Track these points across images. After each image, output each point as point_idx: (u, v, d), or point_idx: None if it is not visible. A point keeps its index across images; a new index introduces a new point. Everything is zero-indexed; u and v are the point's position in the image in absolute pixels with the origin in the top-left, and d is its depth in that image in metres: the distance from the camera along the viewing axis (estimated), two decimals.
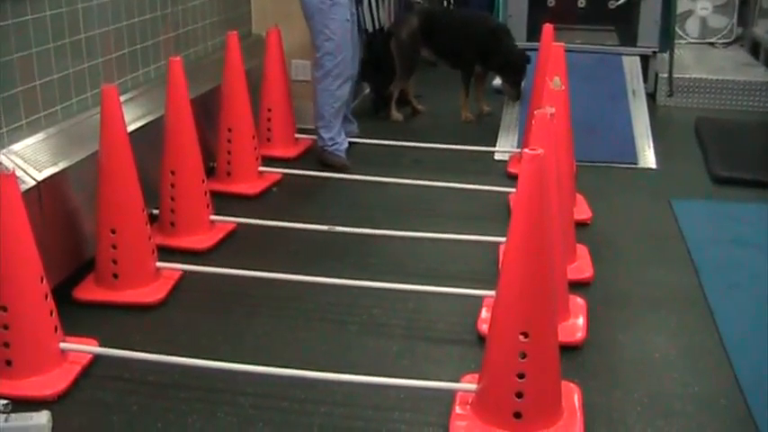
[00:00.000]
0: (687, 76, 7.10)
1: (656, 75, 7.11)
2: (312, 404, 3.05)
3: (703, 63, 7.58)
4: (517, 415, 2.77)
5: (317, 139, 5.42)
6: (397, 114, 6.46)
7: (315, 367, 3.12)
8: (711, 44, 8.28)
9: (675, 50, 7.09)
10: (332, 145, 5.36)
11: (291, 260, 4.07)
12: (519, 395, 2.75)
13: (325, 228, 4.28)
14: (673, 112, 6.94)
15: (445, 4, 8.29)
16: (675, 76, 7.04)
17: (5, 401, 2.95)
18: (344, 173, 5.20)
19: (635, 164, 5.61)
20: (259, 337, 3.47)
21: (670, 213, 4.76)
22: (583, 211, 4.58)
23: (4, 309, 3.03)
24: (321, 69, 5.26)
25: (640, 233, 4.55)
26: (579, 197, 4.65)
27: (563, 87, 3.82)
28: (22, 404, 2.95)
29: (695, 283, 3.96)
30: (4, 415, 2.88)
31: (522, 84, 6.20)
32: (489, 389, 2.83)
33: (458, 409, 2.90)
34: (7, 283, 3.03)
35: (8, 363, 3.07)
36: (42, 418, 2.85)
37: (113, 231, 3.65)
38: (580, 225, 4.29)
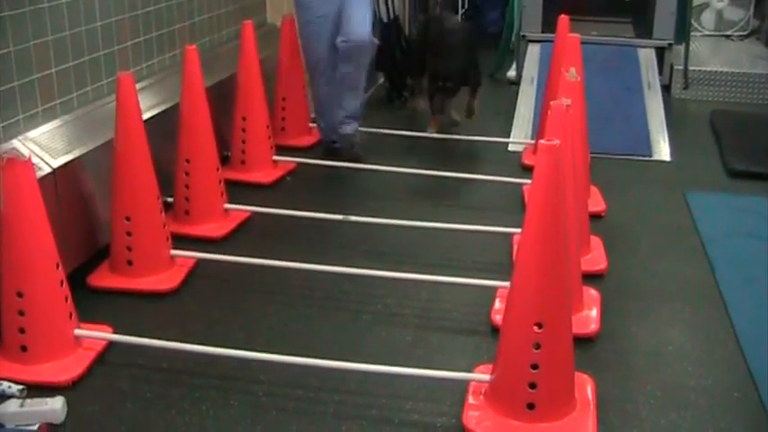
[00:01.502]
0: (703, 68, 7.07)
1: (672, 67, 7.07)
2: (326, 392, 3.05)
3: (719, 56, 7.54)
4: (530, 406, 2.77)
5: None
6: (419, 103, 6.17)
7: (329, 356, 3.12)
8: (727, 37, 8.22)
9: (691, 43, 7.07)
10: (332, 142, 5.36)
11: (305, 249, 4.07)
12: (532, 386, 2.75)
13: (339, 217, 4.28)
14: (688, 105, 6.92)
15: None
16: (691, 68, 7.01)
17: (21, 387, 2.97)
18: (358, 163, 5.16)
19: (650, 156, 5.59)
20: (273, 326, 3.48)
21: (684, 206, 4.75)
22: (597, 203, 4.57)
23: (20, 295, 3.04)
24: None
25: (655, 225, 4.54)
26: (593, 189, 4.64)
27: (579, 79, 3.81)
28: (36, 389, 2.98)
29: (709, 275, 3.95)
30: (20, 400, 2.90)
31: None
32: (503, 379, 2.83)
33: (471, 400, 2.90)
34: (23, 269, 3.04)
35: (23, 348, 3.08)
36: (57, 403, 2.87)
37: (128, 219, 3.66)
38: (594, 217, 4.28)
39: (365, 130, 5.48)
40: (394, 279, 3.70)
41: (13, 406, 2.86)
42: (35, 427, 2.80)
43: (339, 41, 4.88)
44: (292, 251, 3.94)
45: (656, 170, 5.42)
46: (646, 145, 5.69)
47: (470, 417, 2.84)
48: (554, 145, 2.65)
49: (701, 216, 4.59)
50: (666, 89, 6.92)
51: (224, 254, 3.92)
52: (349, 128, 5.23)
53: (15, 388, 2.96)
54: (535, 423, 2.78)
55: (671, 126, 5.96)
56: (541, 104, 5.29)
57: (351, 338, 3.40)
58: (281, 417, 2.93)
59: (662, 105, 6.21)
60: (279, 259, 3.78)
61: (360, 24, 4.86)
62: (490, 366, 2.93)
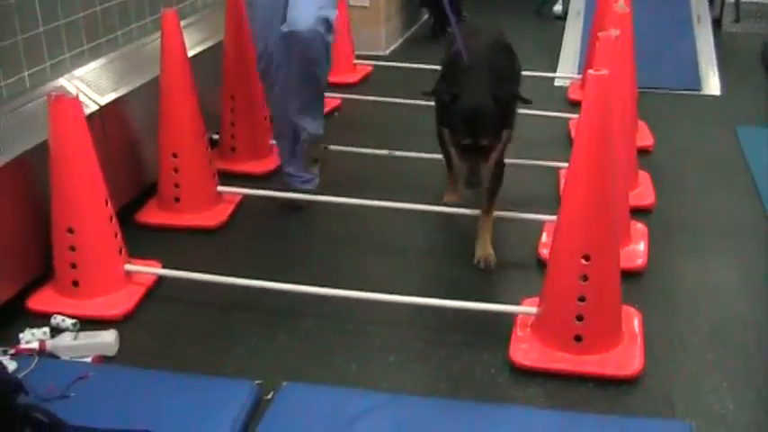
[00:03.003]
0: (754, 0, 6.90)
1: (722, 0, 6.92)
2: (372, 325, 3.08)
3: None
4: (577, 338, 2.78)
5: None
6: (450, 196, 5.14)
7: (375, 290, 3.13)
8: None
9: None
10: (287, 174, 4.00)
11: (352, 183, 4.07)
12: (579, 318, 2.75)
13: (384, 152, 4.27)
14: (738, 38, 6.77)
15: None
16: (742, 0, 6.85)
17: (74, 320, 3.03)
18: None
19: (699, 90, 5.50)
20: (319, 260, 3.50)
21: (734, 141, 4.67)
22: (645, 138, 4.51)
23: (71, 231, 3.08)
24: None
25: (704, 161, 4.48)
26: (641, 124, 4.58)
27: (628, 10, 3.74)
28: (88, 324, 3.03)
29: (759, 211, 3.90)
30: (74, 333, 2.96)
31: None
32: (550, 312, 2.83)
33: (518, 332, 2.91)
34: (73, 205, 3.08)
35: (75, 283, 3.13)
36: (110, 336, 2.92)
37: (175, 156, 3.68)
38: (642, 152, 4.23)
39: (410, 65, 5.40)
40: (440, 214, 3.70)
41: (66, 339, 2.92)
42: (89, 359, 2.86)
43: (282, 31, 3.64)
44: (338, 186, 3.94)
45: (705, 105, 5.33)
46: (695, 79, 5.59)
47: (517, 349, 2.85)
48: (603, 75, 2.61)
49: (752, 151, 4.51)
50: (717, 22, 6.78)
51: (270, 190, 3.93)
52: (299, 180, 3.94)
53: (69, 322, 3.02)
54: (582, 355, 2.78)
55: (721, 60, 5.86)
56: (588, 38, 5.20)
57: (397, 273, 3.41)
58: (329, 349, 2.96)
59: (712, 38, 6.10)
60: (325, 195, 3.79)
61: (303, 9, 3.57)
62: (537, 299, 2.93)
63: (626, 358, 2.80)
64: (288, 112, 3.81)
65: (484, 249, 3.43)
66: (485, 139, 3.19)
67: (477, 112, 3.18)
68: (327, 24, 3.61)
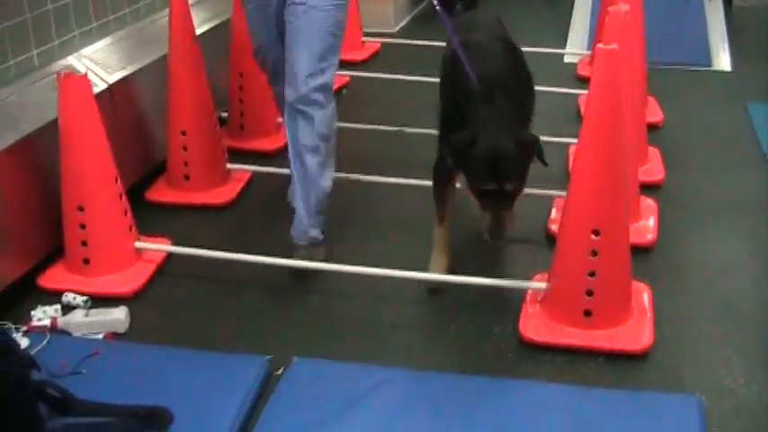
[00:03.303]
0: None
1: None
2: (383, 301, 3.08)
3: None
4: (587, 312, 2.78)
5: None
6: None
7: (385, 266, 3.14)
8: None
9: None
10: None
11: (360, 160, 4.06)
12: (589, 293, 2.75)
13: (394, 129, 4.26)
14: (749, 14, 6.70)
15: None
16: None
17: (85, 298, 3.04)
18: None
19: (709, 66, 5.47)
20: (328, 237, 3.50)
21: (745, 117, 4.65)
22: (655, 114, 4.50)
23: (81, 208, 3.09)
24: None
25: (714, 137, 4.46)
26: (651, 99, 4.57)
27: None
28: (99, 301, 3.05)
29: None
30: (85, 310, 2.97)
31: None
32: (560, 287, 2.83)
33: (528, 308, 2.91)
34: (83, 183, 3.09)
35: (85, 261, 3.15)
36: (121, 312, 2.94)
37: (184, 133, 3.68)
38: (652, 128, 4.21)
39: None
40: None
41: (78, 316, 2.94)
42: (100, 336, 2.88)
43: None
44: (347, 163, 3.93)
45: (715, 81, 5.31)
46: (705, 55, 5.57)
47: (527, 324, 2.85)
48: (612, 49, 2.60)
49: (762, 127, 4.49)
50: None
51: (279, 167, 3.93)
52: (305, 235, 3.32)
53: (80, 299, 3.04)
54: (591, 330, 2.78)
55: (731, 35, 5.82)
56: (598, 14, 5.17)
57: (407, 249, 3.40)
58: (339, 326, 2.97)
59: (722, 14, 6.06)
60: (336, 172, 3.78)
61: (298, 74, 3.15)
62: (547, 275, 2.93)
63: (635, 333, 2.81)
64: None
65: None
66: (511, 184, 2.76)
67: (502, 154, 2.73)
68: (325, 90, 3.19)
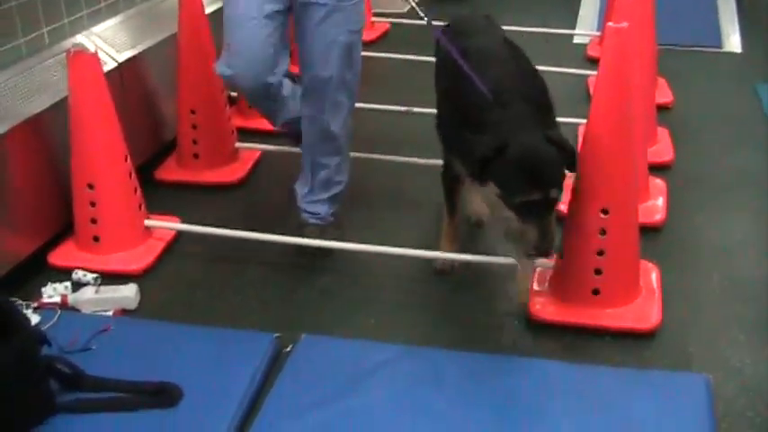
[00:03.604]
0: None
1: None
2: (390, 279, 3.11)
3: None
4: (595, 291, 2.78)
5: None
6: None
7: (394, 244, 3.16)
8: None
9: None
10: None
11: (369, 140, 4.06)
12: (597, 272, 2.76)
13: (403, 109, 4.26)
14: None
15: None
16: None
17: (95, 275, 3.05)
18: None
19: (719, 48, 5.45)
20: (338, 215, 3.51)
21: (754, 98, 4.64)
22: (664, 95, 4.49)
23: (91, 186, 3.10)
24: None
25: (723, 117, 4.45)
26: (661, 80, 4.55)
27: None
28: (109, 278, 3.06)
29: None
30: (95, 287, 2.99)
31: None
32: (568, 266, 2.84)
33: (536, 286, 2.92)
34: (93, 161, 3.10)
35: (96, 239, 3.16)
36: (130, 290, 2.95)
37: (193, 112, 3.69)
38: (661, 108, 4.21)
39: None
40: None
41: (88, 293, 2.95)
42: (110, 313, 2.89)
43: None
44: (356, 143, 3.92)
45: (725, 62, 5.29)
46: (716, 36, 5.54)
47: (536, 303, 2.86)
48: (622, 28, 2.60)
49: None
50: None
51: (289, 146, 3.93)
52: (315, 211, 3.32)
53: (90, 276, 3.05)
54: (600, 309, 2.79)
55: (742, 17, 5.79)
56: None
57: (415, 228, 3.42)
58: (347, 304, 2.98)
59: None
60: None
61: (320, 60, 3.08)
62: (555, 253, 2.93)
63: (644, 312, 2.81)
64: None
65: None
66: (556, 190, 2.52)
67: (542, 158, 2.52)
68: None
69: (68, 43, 3.33)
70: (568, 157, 2.58)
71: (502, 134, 2.53)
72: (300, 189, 3.33)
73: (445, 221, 3.15)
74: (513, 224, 2.57)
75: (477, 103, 2.66)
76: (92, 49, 3.15)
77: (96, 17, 3.60)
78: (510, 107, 2.61)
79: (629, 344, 2.75)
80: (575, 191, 2.80)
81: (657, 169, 3.67)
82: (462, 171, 2.81)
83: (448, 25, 3.25)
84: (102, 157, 3.11)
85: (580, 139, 3.69)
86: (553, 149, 2.53)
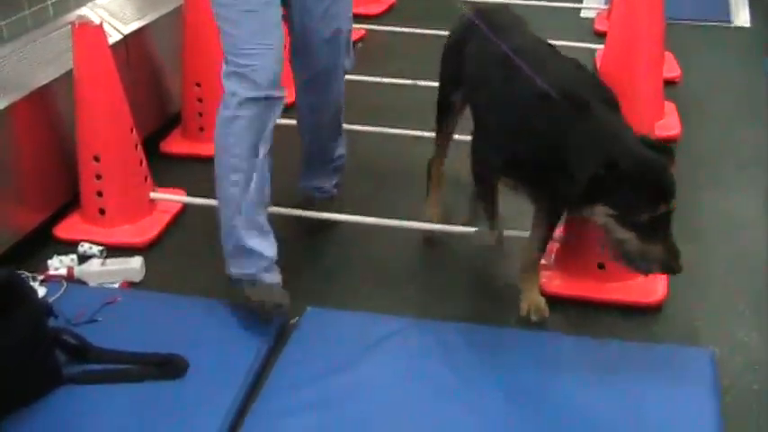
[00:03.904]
0: None
1: None
2: (397, 252, 3.11)
3: None
4: (601, 265, 2.78)
5: None
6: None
7: (397, 218, 3.17)
8: None
9: None
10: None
11: (376, 113, 4.05)
12: (603, 246, 2.75)
13: (409, 82, 4.25)
14: None
15: None
16: None
17: (100, 248, 3.06)
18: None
19: (728, 22, 5.41)
20: (343, 189, 3.50)
21: (763, 73, 4.61)
22: (672, 69, 4.46)
23: (97, 159, 3.10)
24: None
25: (731, 92, 4.43)
26: (668, 55, 4.52)
27: None
28: (115, 251, 3.07)
29: None
30: (101, 260, 2.99)
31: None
32: (573, 239, 2.83)
33: (542, 260, 2.91)
34: (99, 133, 3.10)
35: (101, 211, 3.16)
36: (136, 262, 2.96)
37: (198, 85, 3.68)
38: (669, 83, 4.19)
39: None
40: (461, 143, 3.68)
41: (94, 265, 2.96)
42: (116, 285, 2.90)
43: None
44: (362, 116, 3.92)
45: (734, 36, 5.25)
46: (725, 10, 5.50)
47: (542, 276, 2.85)
48: (630, 1, 2.58)
49: None
50: None
51: (295, 119, 3.92)
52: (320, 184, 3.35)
53: (95, 249, 3.06)
54: (605, 283, 2.79)
55: None
56: None
57: (421, 201, 3.40)
58: (352, 276, 2.99)
59: None
60: (352, 124, 3.77)
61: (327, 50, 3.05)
62: (562, 227, 2.93)
63: (650, 286, 2.81)
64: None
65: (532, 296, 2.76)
66: (675, 200, 2.34)
67: (656, 167, 2.31)
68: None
69: (73, 15, 3.32)
70: (672, 159, 2.37)
71: (599, 145, 2.27)
72: (305, 167, 3.35)
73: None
74: (630, 245, 2.34)
75: (547, 110, 2.37)
76: (97, 21, 3.14)
77: None
78: (591, 112, 2.34)
79: (636, 318, 2.75)
80: None
81: None
82: (540, 196, 2.56)
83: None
84: (108, 130, 3.10)
85: None
86: (659, 155, 2.34)
